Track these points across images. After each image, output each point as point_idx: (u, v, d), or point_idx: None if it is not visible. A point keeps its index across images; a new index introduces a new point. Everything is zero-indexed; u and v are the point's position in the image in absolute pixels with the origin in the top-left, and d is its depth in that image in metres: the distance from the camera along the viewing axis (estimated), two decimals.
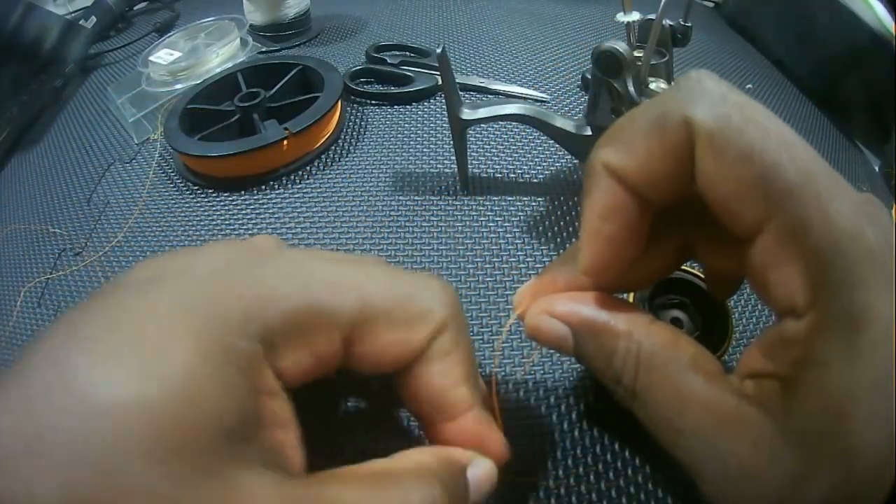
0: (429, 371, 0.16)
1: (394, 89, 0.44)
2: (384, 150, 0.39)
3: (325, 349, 0.15)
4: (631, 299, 0.22)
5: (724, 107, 0.13)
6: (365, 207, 0.34)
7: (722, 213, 0.14)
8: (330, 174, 0.37)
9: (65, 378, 0.11)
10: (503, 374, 0.25)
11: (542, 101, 0.43)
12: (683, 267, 0.24)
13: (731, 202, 0.13)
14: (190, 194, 0.37)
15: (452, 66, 0.30)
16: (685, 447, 0.14)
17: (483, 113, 0.32)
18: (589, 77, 0.31)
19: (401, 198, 0.35)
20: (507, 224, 0.33)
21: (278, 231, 0.34)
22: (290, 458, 0.14)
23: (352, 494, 0.13)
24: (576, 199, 0.34)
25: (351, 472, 0.15)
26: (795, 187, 0.12)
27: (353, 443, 0.23)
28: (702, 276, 0.23)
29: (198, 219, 0.35)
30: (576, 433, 0.23)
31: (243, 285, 0.14)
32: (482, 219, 0.33)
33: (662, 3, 0.24)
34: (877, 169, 0.50)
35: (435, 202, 0.34)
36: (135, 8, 0.65)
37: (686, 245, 0.17)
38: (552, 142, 0.33)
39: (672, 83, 0.14)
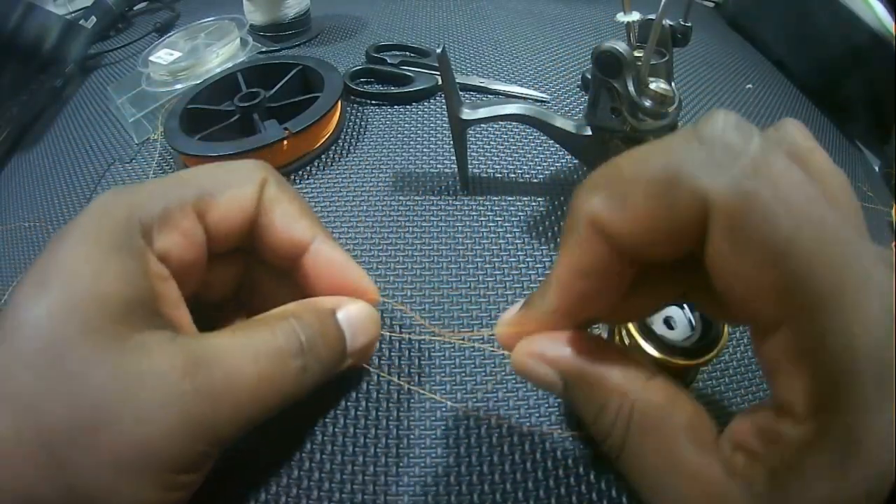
0: (270, 217, 0.20)
1: (394, 89, 0.44)
2: (384, 150, 0.39)
3: (188, 225, 0.18)
4: None
5: (752, 181, 0.11)
6: (365, 207, 0.34)
7: (728, 301, 0.12)
8: (330, 174, 0.37)
9: (10, 310, 0.15)
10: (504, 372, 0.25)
11: (542, 101, 0.43)
12: None
13: (743, 298, 0.12)
14: None
15: (452, 66, 0.30)
16: None
17: (483, 113, 0.32)
18: (589, 77, 0.31)
19: (401, 198, 0.35)
20: (507, 224, 0.33)
21: None
22: (184, 329, 0.18)
23: (228, 339, 0.17)
24: None
25: (230, 327, 0.18)
26: (821, 301, 0.11)
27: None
28: None
29: None
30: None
31: (126, 199, 0.18)
32: (482, 219, 0.33)
33: (662, 3, 0.24)
34: (877, 169, 0.50)
35: (435, 202, 0.34)
36: (135, 8, 0.65)
37: (680, 292, 0.16)
38: (552, 142, 0.33)
39: (692, 124, 0.12)
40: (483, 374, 0.25)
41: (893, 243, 0.42)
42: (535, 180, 0.36)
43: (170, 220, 0.18)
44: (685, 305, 0.23)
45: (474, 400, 0.25)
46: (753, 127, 0.12)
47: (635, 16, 0.27)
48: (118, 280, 0.16)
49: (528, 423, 0.24)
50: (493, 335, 0.27)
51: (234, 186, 0.20)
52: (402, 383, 0.25)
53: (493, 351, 0.26)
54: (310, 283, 0.21)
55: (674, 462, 0.13)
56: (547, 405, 0.24)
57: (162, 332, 0.16)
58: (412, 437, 0.24)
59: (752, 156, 0.11)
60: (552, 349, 0.15)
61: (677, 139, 0.12)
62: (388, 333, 0.27)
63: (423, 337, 0.27)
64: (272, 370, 0.17)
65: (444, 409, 0.24)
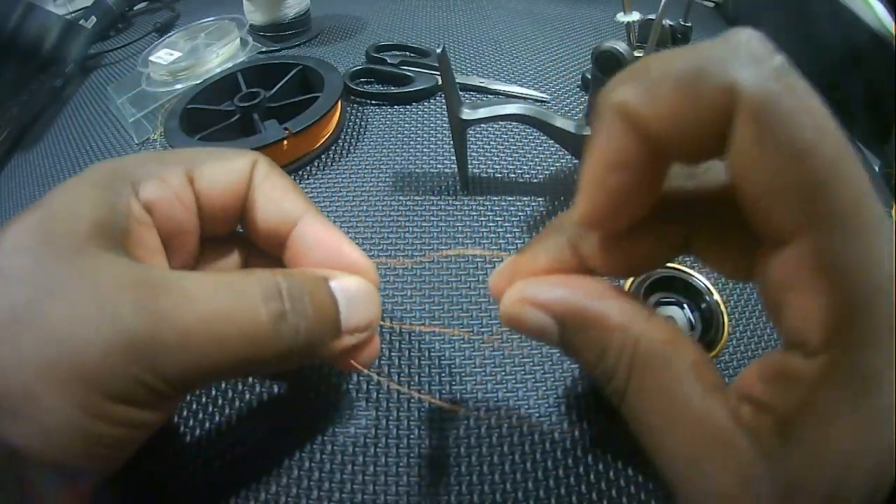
0: (261, 193, 0.20)
1: (394, 89, 0.44)
2: (384, 150, 0.39)
3: (176, 183, 0.19)
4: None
5: (778, 82, 0.11)
6: (365, 207, 0.34)
7: (748, 205, 0.11)
8: (330, 174, 0.37)
9: None
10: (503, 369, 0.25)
11: (542, 101, 0.43)
12: (677, 265, 0.24)
13: (764, 196, 0.11)
14: None
15: (452, 66, 0.30)
16: (668, 459, 0.13)
17: (483, 113, 0.32)
18: (589, 77, 0.31)
19: (401, 198, 0.35)
20: (507, 224, 0.33)
21: None
22: None
23: (190, 272, 0.16)
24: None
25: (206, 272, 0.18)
26: (845, 208, 0.10)
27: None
28: (696, 274, 0.23)
29: None
30: (584, 426, 0.23)
31: (118, 160, 0.19)
32: (482, 219, 0.33)
33: (662, 3, 0.24)
34: (877, 169, 0.50)
35: (435, 202, 0.34)
36: (135, 8, 0.65)
37: (685, 239, 0.15)
38: (552, 142, 0.33)
39: (730, 33, 0.12)
40: (483, 374, 0.25)
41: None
42: (535, 180, 0.36)
43: (158, 175, 0.19)
44: (685, 305, 0.23)
45: (474, 400, 0.25)
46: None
47: (635, 16, 0.27)
48: (90, 205, 0.16)
49: (527, 423, 0.24)
50: (490, 335, 0.27)
51: (226, 160, 0.20)
52: (399, 387, 0.25)
53: (492, 351, 0.26)
54: (302, 265, 0.20)
55: (678, 403, 0.13)
56: (547, 405, 0.24)
57: (121, 257, 0.16)
58: (412, 436, 0.24)
59: (777, 65, 0.11)
60: (545, 292, 0.14)
61: (706, 43, 0.11)
62: (388, 334, 0.27)
63: (423, 328, 0.27)
64: (234, 305, 0.16)
65: (444, 409, 0.24)
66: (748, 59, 0.11)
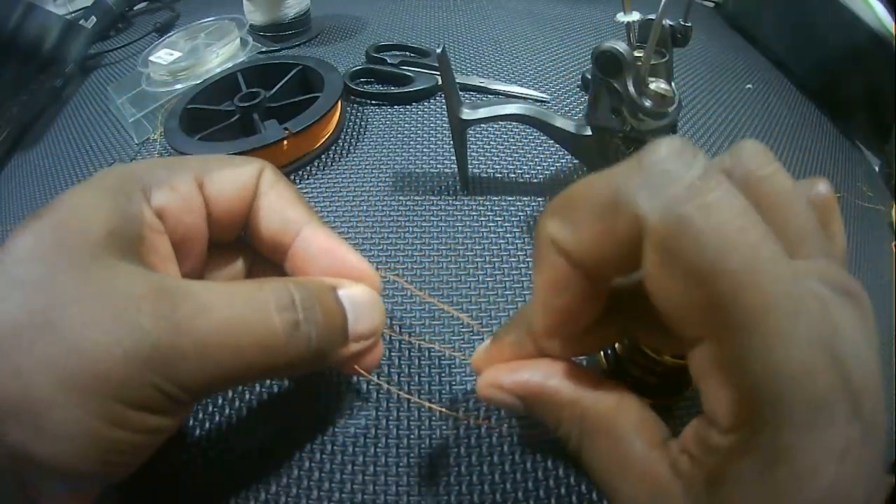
0: (266, 200, 0.21)
1: (394, 89, 0.44)
2: (384, 150, 0.39)
3: (186, 189, 0.19)
4: None
5: (686, 205, 0.11)
6: (365, 207, 0.34)
7: (663, 313, 0.13)
8: (330, 174, 0.37)
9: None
10: None
11: (542, 101, 0.43)
12: None
13: (671, 313, 0.12)
14: None
15: (452, 66, 0.30)
16: None
17: (483, 113, 0.32)
18: (589, 77, 0.31)
19: (401, 198, 0.35)
20: (507, 224, 0.33)
21: None
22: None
23: (205, 283, 0.17)
24: None
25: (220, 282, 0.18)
26: (743, 321, 0.11)
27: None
28: None
29: None
30: None
31: (128, 166, 0.19)
32: (482, 219, 0.33)
33: (662, 3, 0.24)
34: (877, 169, 0.50)
35: (435, 202, 0.34)
36: (135, 8, 0.65)
37: (626, 327, 0.17)
38: (552, 142, 0.33)
39: (643, 148, 0.12)
40: None
41: (893, 243, 0.42)
42: (535, 180, 0.36)
43: (169, 181, 0.19)
44: None
45: (474, 400, 0.25)
46: (700, 154, 0.12)
47: (635, 16, 0.27)
48: (103, 213, 0.17)
49: (527, 424, 0.24)
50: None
51: (235, 167, 0.20)
52: (398, 391, 0.25)
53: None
54: (306, 274, 0.21)
55: (623, 461, 0.14)
56: None
57: (136, 266, 0.16)
58: (412, 436, 0.24)
59: (688, 182, 0.11)
60: (509, 378, 0.17)
61: (623, 166, 0.13)
62: (388, 333, 0.27)
63: (424, 343, 0.27)
64: (250, 316, 0.16)
65: (444, 410, 0.24)
66: (654, 186, 0.12)
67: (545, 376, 0.16)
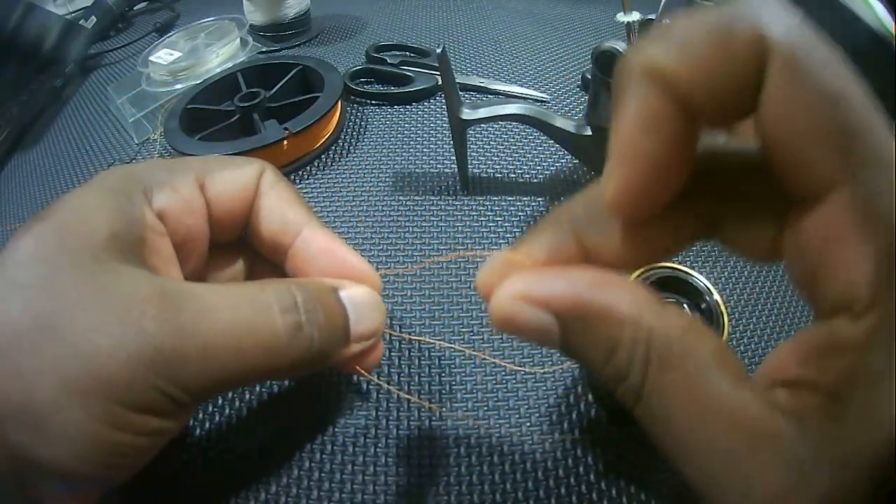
0: (267, 201, 0.21)
1: (394, 89, 0.44)
2: (384, 150, 0.39)
3: (187, 191, 0.19)
4: None
5: (806, 33, 0.10)
6: (365, 207, 0.34)
7: (782, 161, 0.11)
8: (330, 174, 0.37)
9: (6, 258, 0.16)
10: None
11: (542, 101, 0.43)
12: (677, 265, 0.24)
13: (802, 146, 0.10)
14: None
15: (452, 66, 0.30)
16: (700, 465, 0.11)
17: (483, 113, 0.32)
18: (589, 77, 0.31)
19: (401, 198, 0.35)
20: (507, 224, 0.33)
21: None
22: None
23: (208, 286, 0.16)
24: None
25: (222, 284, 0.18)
26: (881, 151, 0.10)
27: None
28: (695, 273, 0.23)
29: None
30: (588, 442, 0.23)
31: (130, 167, 0.19)
32: (482, 219, 0.33)
33: (662, 3, 0.24)
34: None
35: (435, 202, 0.34)
36: (135, 8, 0.65)
37: (707, 220, 0.13)
38: (552, 142, 0.33)
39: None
40: (483, 374, 0.25)
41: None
42: (535, 180, 0.36)
43: (170, 183, 0.19)
44: (685, 305, 0.23)
45: (474, 400, 0.25)
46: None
47: (635, 16, 0.27)
48: (106, 215, 0.16)
49: (527, 424, 0.24)
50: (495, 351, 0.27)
51: (236, 168, 0.21)
52: (398, 391, 0.25)
53: (493, 352, 0.26)
54: (306, 274, 0.21)
55: (704, 399, 0.11)
56: (547, 405, 0.24)
57: (140, 269, 0.16)
58: (412, 437, 0.24)
59: (800, 19, 0.10)
60: (542, 286, 0.13)
61: (722, 3, 0.11)
62: (388, 333, 0.27)
63: (426, 340, 0.27)
64: (253, 318, 0.16)
65: (444, 410, 0.24)
66: (773, 12, 0.10)
67: (596, 284, 0.12)
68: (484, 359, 0.26)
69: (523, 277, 0.13)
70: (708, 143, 0.13)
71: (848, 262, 0.10)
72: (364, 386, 0.25)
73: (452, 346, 0.26)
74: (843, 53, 0.11)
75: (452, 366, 0.26)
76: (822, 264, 0.11)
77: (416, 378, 0.26)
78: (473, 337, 0.27)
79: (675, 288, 0.23)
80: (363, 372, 0.20)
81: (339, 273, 0.20)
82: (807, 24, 0.10)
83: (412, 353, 0.26)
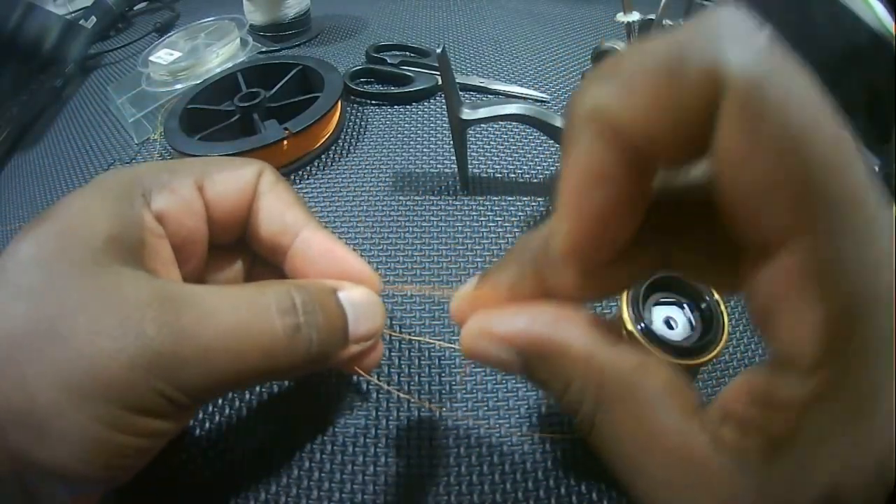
0: (266, 202, 0.21)
1: (394, 89, 0.44)
2: (384, 150, 0.39)
3: (186, 193, 0.19)
4: (624, 300, 0.22)
5: (767, 62, 0.09)
6: (365, 207, 0.34)
7: (733, 209, 0.10)
8: (330, 174, 0.37)
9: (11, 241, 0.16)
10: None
11: (542, 101, 0.43)
12: None
13: (753, 196, 0.09)
14: None
15: (452, 66, 0.30)
16: (644, 492, 0.12)
17: (483, 113, 0.32)
18: None
19: (401, 198, 0.35)
20: (507, 224, 0.33)
21: None
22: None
23: (208, 288, 0.16)
24: None
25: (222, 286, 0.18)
26: (842, 205, 0.09)
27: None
28: None
29: None
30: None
31: (129, 169, 0.19)
32: (482, 219, 0.33)
33: (662, 3, 0.24)
34: (877, 169, 0.50)
35: (435, 202, 0.34)
36: (135, 8, 0.65)
37: (664, 253, 0.13)
38: (552, 142, 0.33)
39: (709, 11, 0.10)
40: (483, 373, 0.25)
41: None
42: (535, 180, 0.36)
43: (169, 185, 0.19)
44: (685, 305, 0.23)
45: (474, 400, 0.25)
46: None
47: (635, 16, 0.27)
48: (105, 218, 0.17)
49: (527, 424, 0.24)
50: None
51: (234, 169, 0.21)
52: (397, 392, 0.25)
53: None
54: (305, 276, 0.21)
55: (652, 430, 0.12)
56: (547, 405, 0.24)
57: (139, 271, 0.16)
58: (412, 437, 0.23)
59: (765, 42, 0.09)
60: (505, 324, 0.13)
61: (685, 25, 0.10)
62: (388, 333, 0.27)
63: (426, 340, 0.27)
64: (252, 320, 0.16)
65: (444, 410, 0.24)
66: (732, 38, 0.09)
67: (553, 323, 0.13)
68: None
69: (487, 314, 0.14)
70: (664, 176, 0.13)
71: (796, 322, 0.10)
72: (364, 386, 0.25)
73: (452, 345, 0.26)
74: (818, 73, 0.09)
75: (452, 366, 0.26)
76: (771, 314, 0.10)
77: (417, 378, 0.26)
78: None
79: (676, 288, 0.23)
80: (362, 372, 0.20)
81: (339, 274, 0.20)
82: (773, 51, 0.09)
83: (412, 354, 0.26)
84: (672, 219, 0.12)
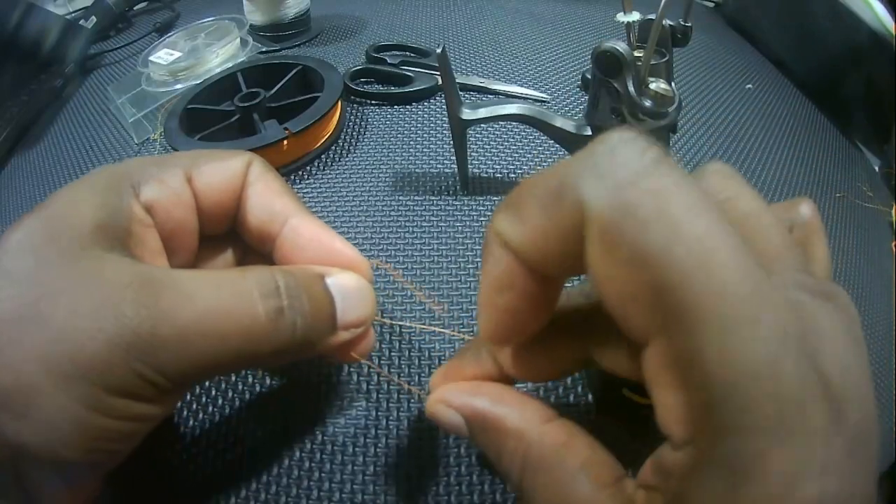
0: (254, 191, 0.21)
1: (394, 89, 0.44)
2: (384, 150, 0.39)
3: (175, 183, 0.19)
4: None
5: (630, 192, 0.11)
6: (365, 207, 0.34)
7: (611, 312, 0.12)
8: (330, 174, 0.37)
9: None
10: None
11: (542, 101, 0.43)
12: None
13: (618, 305, 0.12)
14: None
15: (452, 66, 0.30)
16: None
17: (483, 113, 0.32)
18: (589, 77, 0.31)
19: (401, 198, 0.35)
20: None
21: None
22: None
23: (190, 272, 0.17)
24: None
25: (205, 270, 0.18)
26: (695, 310, 0.10)
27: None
28: None
29: None
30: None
31: (118, 164, 0.19)
32: (482, 219, 0.33)
33: (662, 3, 0.24)
34: (877, 169, 0.50)
35: (435, 202, 0.34)
36: (135, 8, 0.65)
37: (581, 351, 0.16)
38: (552, 142, 0.33)
39: (596, 142, 0.12)
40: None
41: (893, 243, 0.42)
42: None
43: (158, 176, 0.19)
44: None
45: None
46: (656, 147, 0.12)
47: (635, 16, 0.27)
48: (93, 207, 0.17)
49: None
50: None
51: (223, 159, 0.21)
52: (402, 383, 0.25)
53: None
54: (293, 262, 0.20)
55: (567, 500, 0.14)
56: (548, 405, 0.24)
57: (123, 257, 0.16)
58: (412, 437, 0.24)
59: (636, 169, 0.11)
60: (457, 396, 0.16)
61: (574, 156, 0.12)
62: (388, 334, 0.27)
63: (419, 327, 0.27)
64: (233, 302, 0.16)
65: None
66: (599, 173, 0.11)
67: (493, 401, 0.16)
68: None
69: (448, 387, 0.17)
70: (579, 286, 0.16)
71: (665, 404, 0.11)
72: (364, 386, 0.25)
73: (456, 333, 0.26)
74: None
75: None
76: (651, 397, 0.12)
77: (417, 379, 0.26)
78: (468, 338, 0.27)
79: None
80: (358, 357, 0.20)
81: (327, 260, 0.20)
82: (636, 176, 0.11)
83: (412, 354, 0.26)
84: (590, 319, 0.15)
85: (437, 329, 0.27)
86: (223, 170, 0.20)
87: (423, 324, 0.28)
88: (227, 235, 0.22)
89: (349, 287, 0.19)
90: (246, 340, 0.16)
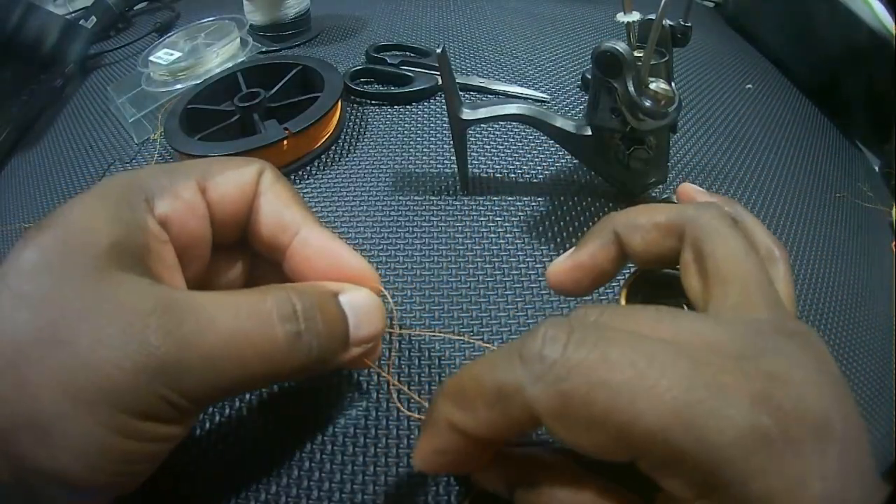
0: (265, 199, 0.21)
1: (394, 89, 0.44)
2: (384, 150, 0.39)
3: (189, 196, 0.19)
4: (623, 296, 0.22)
5: (566, 381, 0.13)
6: (365, 207, 0.34)
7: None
8: (330, 174, 0.37)
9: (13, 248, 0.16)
10: None
11: (542, 101, 0.43)
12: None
13: (594, 455, 0.14)
14: None
15: (452, 66, 0.30)
16: None
17: (483, 113, 0.32)
18: (589, 77, 0.31)
19: (401, 198, 0.35)
20: (507, 224, 0.33)
21: None
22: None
23: (210, 294, 0.17)
24: (576, 198, 0.34)
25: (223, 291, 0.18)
26: (660, 431, 0.12)
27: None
28: None
29: None
30: None
31: (131, 173, 0.19)
32: (482, 219, 0.33)
33: (662, 3, 0.24)
34: (877, 169, 0.50)
35: (435, 202, 0.34)
36: (135, 8, 0.65)
37: None
38: (552, 142, 0.33)
39: (518, 340, 0.15)
40: None
41: (893, 243, 0.42)
42: (535, 180, 0.36)
43: (171, 189, 0.19)
44: (685, 306, 0.23)
45: None
46: (571, 325, 0.14)
47: (635, 16, 0.27)
48: (108, 224, 0.17)
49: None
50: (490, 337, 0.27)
51: (236, 170, 0.21)
52: (400, 385, 0.25)
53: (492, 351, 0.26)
54: (304, 274, 0.21)
55: None
56: None
57: (142, 278, 0.16)
58: (412, 437, 0.24)
59: (565, 363, 0.13)
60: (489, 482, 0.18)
61: (503, 358, 0.14)
62: (388, 334, 0.27)
63: (418, 332, 0.27)
64: (253, 328, 0.16)
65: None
66: (535, 376, 0.13)
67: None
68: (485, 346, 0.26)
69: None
70: None
71: (670, 488, 0.13)
72: (364, 386, 0.25)
73: (456, 334, 0.26)
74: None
75: (452, 366, 0.26)
76: (661, 485, 0.14)
77: (417, 378, 0.26)
78: (483, 345, 0.27)
79: (676, 288, 0.23)
80: (368, 363, 0.20)
81: (338, 272, 0.20)
82: (573, 363, 0.13)
83: (412, 353, 0.26)
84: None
85: (438, 332, 0.27)
86: (236, 179, 0.20)
87: (424, 326, 0.28)
88: (237, 244, 0.22)
89: (361, 305, 0.19)
90: (265, 363, 0.17)
